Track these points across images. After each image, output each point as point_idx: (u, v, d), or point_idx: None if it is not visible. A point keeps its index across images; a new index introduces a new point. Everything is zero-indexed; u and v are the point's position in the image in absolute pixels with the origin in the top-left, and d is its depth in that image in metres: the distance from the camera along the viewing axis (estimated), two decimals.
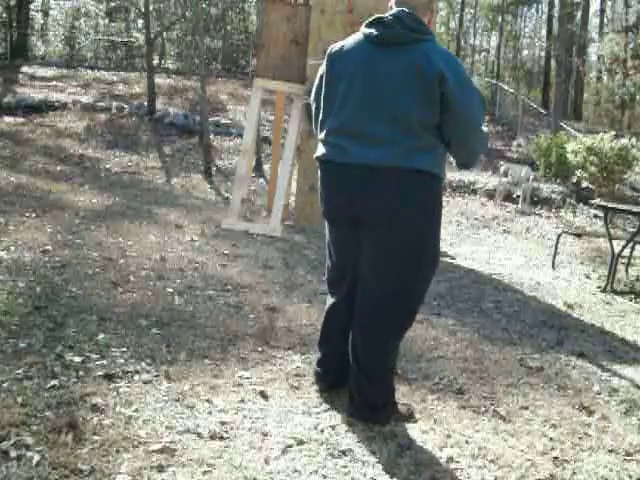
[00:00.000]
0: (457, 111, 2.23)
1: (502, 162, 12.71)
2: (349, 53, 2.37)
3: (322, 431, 2.32)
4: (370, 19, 2.35)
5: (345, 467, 2.09)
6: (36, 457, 1.93)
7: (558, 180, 12.12)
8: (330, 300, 2.64)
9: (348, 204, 2.36)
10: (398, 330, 2.46)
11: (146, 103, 12.63)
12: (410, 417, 2.50)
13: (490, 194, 11.17)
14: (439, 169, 2.31)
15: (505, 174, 11.21)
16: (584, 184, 11.53)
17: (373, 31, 2.31)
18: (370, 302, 2.40)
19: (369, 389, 2.42)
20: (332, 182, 2.41)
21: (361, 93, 2.29)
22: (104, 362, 2.69)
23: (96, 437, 2.09)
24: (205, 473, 1.98)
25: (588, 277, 6.09)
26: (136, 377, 2.60)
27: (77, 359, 2.67)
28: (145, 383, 2.56)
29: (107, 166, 9.73)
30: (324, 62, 2.47)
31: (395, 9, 2.34)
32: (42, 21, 24.15)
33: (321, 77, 2.49)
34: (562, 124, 15.64)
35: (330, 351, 2.62)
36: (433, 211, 2.36)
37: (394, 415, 2.46)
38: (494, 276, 5.41)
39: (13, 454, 1.93)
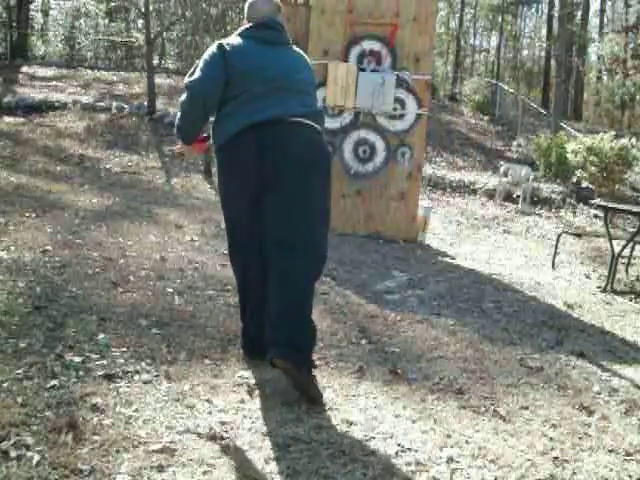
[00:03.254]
0: None
1: (502, 162, 12.72)
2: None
3: (322, 431, 2.32)
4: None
5: (345, 467, 2.09)
6: (36, 457, 1.93)
7: (558, 180, 12.13)
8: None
9: None
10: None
11: (146, 103, 12.62)
12: (320, 395, 2.58)
13: (490, 194, 11.18)
14: (214, 137, 2.79)
15: (505, 174, 11.21)
16: (584, 184, 11.53)
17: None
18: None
19: (301, 329, 2.56)
20: None
21: None
22: (104, 362, 2.69)
23: (96, 437, 2.09)
24: (205, 473, 1.98)
25: (588, 277, 6.09)
26: (136, 377, 2.60)
27: (77, 359, 2.67)
28: (145, 383, 2.56)
29: (107, 166, 9.72)
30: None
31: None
32: (42, 21, 24.13)
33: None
34: (562, 124, 15.64)
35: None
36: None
37: (311, 384, 2.56)
38: (494, 276, 5.40)
39: (13, 454, 1.93)
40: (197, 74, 2.66)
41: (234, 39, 2.73)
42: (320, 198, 2.69)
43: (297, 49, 2.88)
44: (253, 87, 2.63)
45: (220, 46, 2.67)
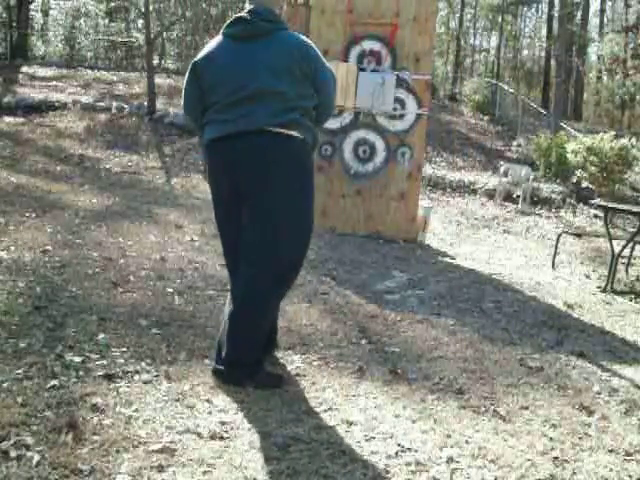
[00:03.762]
0: None
1: (502, 162, 12.73)
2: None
3: (322, 431, 2.32)
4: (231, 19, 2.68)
5: (345, 467, 2.09)
6: (36, 457, 1.93)
7: (558, 180, 12.13)
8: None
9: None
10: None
11: (146, 103, 12.61)
12: (276, 384, 2.66)
13: (490, 194, 11.18)
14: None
15: (505, 174, 11.22)
16: (584, 184, 11.53)
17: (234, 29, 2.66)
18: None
19: (237, 346, 2.60)
20: None
21: None
22: (104, 362, 2.69)
23: (96, 437, 2.09)
24: (205, 473, 1.98)
25: (588, 277, 6.09)
26: (136, 377, 2.60)
27: (77, 359, 2.67)
28: (145, 383, 2.56)
29: (107, 166, 9.72)
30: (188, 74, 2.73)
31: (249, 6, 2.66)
32: (42, 21, 24.14)
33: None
34: (562, 124, 15.64)
35: None
36: None
37: (257, 380, 2.62)
38: (494, 276, 5.40)
39: (13, 454, 1.93)
40: (182, 95, 2.79)
41: (214, 40, 2.73)
42: (291, 212, 2.61)
43: (282, 34, 2.65)
44: (223, 96, 2.62)
45: (193, 64, 2.71)
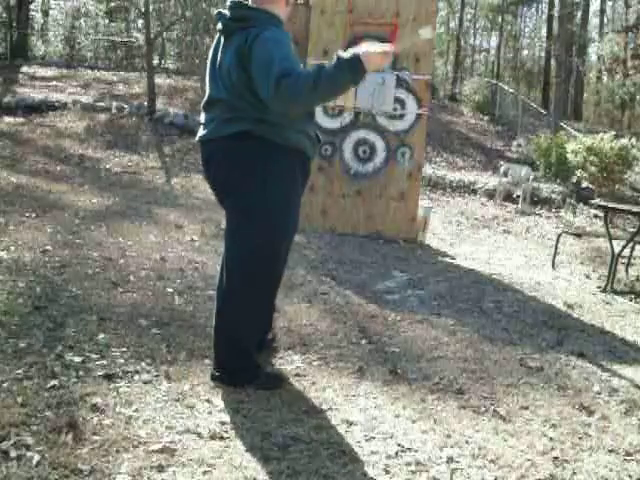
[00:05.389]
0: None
1: (502, 162, 12.73)
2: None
3: (322, 431, 2.32)
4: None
5: (345, 467, 2.09)
6: (36, 457, 1.93)
7: (558, 180, 12.12)
8: None
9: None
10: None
11: (146, 103, 12.60)
12: (276, 385, 2.65)
13: (490, 194, 11.17)
14: None
15: (505, 174, 11.21)
16: (584, 184, 11.53)
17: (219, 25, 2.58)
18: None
19: (222, 351, 2.62)
20: None
21: None
22: (104, 362, 2.69)
23: (96, 437, 2.09)
24: (205, 473, 1.98)
25: (588, 277, 6.08)
26: (136, 377, 2.60)
27: (77, 359, 2.68)
28: (145, 383, 2.56)
29: (107, 166, 9.72)
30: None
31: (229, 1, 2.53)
32: (42, 21, 24.13)
33: None
34: (562, 124, 15.63)
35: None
36: None
37: (258, 383, 2.61)
38: (494, 276, 5.40)
39: (13, 454, 1.93)
40: None
41: None
42: (233, 222, 2.60)
43: (243, 33, 2.40)
44: (204, 97, 2.65)
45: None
